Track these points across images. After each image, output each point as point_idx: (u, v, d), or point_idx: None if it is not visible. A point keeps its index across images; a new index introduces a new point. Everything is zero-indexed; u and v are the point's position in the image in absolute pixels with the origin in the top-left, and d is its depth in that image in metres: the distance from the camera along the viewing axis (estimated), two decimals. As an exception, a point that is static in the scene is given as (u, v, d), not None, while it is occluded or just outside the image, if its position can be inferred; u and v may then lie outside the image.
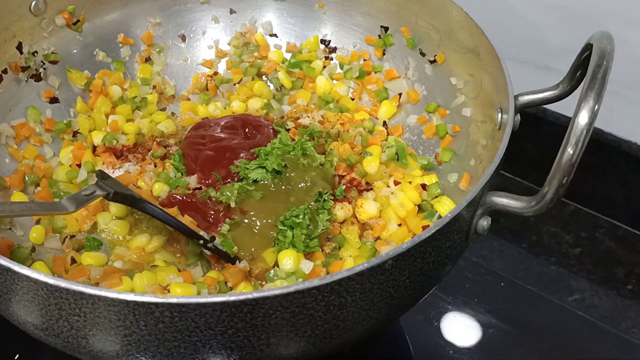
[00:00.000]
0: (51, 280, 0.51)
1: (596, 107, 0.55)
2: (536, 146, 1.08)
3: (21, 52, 0.90)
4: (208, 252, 0.78)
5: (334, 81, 1.01)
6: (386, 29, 0.98)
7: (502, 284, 0.97)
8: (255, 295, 0.51)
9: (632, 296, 0.96)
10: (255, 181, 0.83)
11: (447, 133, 0.89)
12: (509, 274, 0.98)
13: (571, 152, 0.56)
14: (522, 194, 0.63)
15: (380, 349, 0.90)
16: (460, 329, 0.91)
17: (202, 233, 0.78)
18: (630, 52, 0.95)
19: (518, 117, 0.72)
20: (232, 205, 0.81)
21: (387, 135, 0.95)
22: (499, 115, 0.74)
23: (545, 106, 1.04)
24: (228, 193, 0.82)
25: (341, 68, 1.01)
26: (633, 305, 0.95)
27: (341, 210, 0.83)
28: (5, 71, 0.88)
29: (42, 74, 0.93)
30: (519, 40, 1.05)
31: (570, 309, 0.94)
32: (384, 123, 0.96)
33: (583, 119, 0.55)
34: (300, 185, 0.82)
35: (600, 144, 1.02)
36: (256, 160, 0.84)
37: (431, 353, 0.89)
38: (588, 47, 0.62)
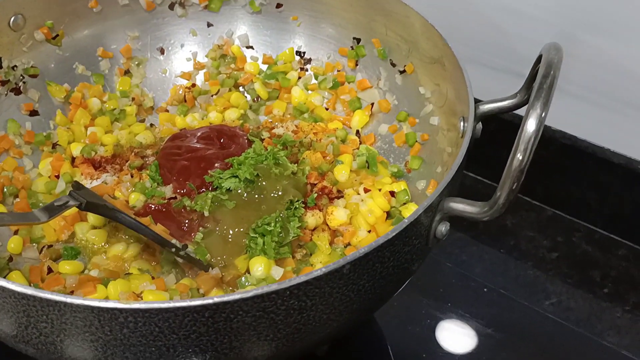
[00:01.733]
0: (18, 288, 0.53)
1: (543, 115, 0.57)
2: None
3: (0, 67, 0.92)
4: (181, 260, 0.80)
5: (309, 91, 1.03)
6: (358, 40, 1.00)
7: (484, 289, 0.98)
8: (216, 300, 0.53)
9: (607, 299, 0.97)
10: (228, 190, 0.85)
11: (417, 141, 0.91)
12: (487, 279, 1.00)
13: (520, 158, 0.58)
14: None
15: (359, 354, 0.91)
16: (442, 334, 0.92)
17: (174, 241, 0.80)
18: (601, 60, 0.97)
19: (480, 125, 0.74)
20: (206, 214, 0.83)
21: (360, 144, 0.97)
22: (462, 123, 0.76)
23: (521, 114, 1.06)
24: (202, 202, 0.84)
25: (316, 79, 1.03)
26: (608, 307, 0.96)
27: (312, 218, 0.85)
28: (-16, 85, 0.90)
29: (21, 88, 0.95)
30: (492, 48, 1.06)
31: (547, 313, 0.95)
32: (357, 132, 0.98)
33: (531, 126, 0.57)
34: (272, 194, 0.84)
35: (574, 150, 1.04)
36: (229, 170, 0.86)
37: (411, 358, 0.90)
38: (540, 58, 0.64)
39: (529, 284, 1.00)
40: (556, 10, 0.98)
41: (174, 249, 0.79)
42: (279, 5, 1.04)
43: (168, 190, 0.88)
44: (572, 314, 0.95)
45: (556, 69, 0.59)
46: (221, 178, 0.86)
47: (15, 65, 0.94)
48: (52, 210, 0.73)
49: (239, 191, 0.85)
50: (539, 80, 0.58)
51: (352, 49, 1.01)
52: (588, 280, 1.00)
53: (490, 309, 0.96)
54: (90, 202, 0.75)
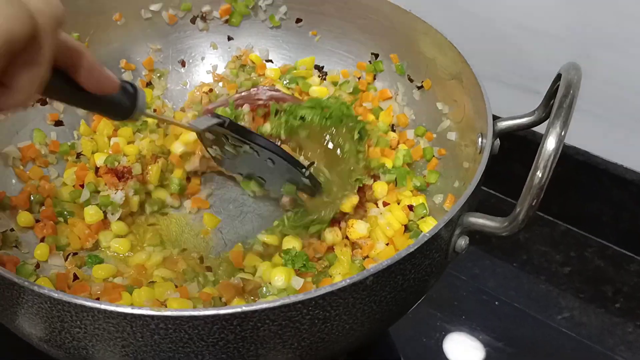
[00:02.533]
0: (55, 294, 0.55)
1: (563, 133, 0.58)
2: (527, 168, 1.11)
3: (27, 77, 0.94)
4: (304, 182, 0.84)
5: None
6: (376, 55, 1.02)
7: (496, 303, 0.99)
8: (245, 308, 0.55)
9: (619, 314, 0.99)
10: (302, 119, 0.88)
11: (434, 156, 0.93)
12: (500, 292, 1.01)
13: (540, 175, 0.59)
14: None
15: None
16: (455, 347, 0.94)
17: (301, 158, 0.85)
18: (615, 77, 0.98)
19: (497, 141, 0.76)
20: (283, 137, 0.88)
21: (398, 143, 0.98)
22: (480, 139, 0.78)
23: (534, 130, 1.08)
24: (276, 126, 0.88)
25: (334, 85, 1.04)
26: (620, 323, 0.97)
27: (330, 234, 0.86)
28: (12, 95, 0.92)
29: (47, 98, 0.97)
30: (511, 65, 1.08)
31: (559, 327, 0.96)
32: (392, 127, 0.99)
33: (550, 144, 0.59)
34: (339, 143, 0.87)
35: (588, 166, 1.05)
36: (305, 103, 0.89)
37: (424, 371, 0.92)
38: (559, 77, 0.66)
39: (542, 298, 1.01)
40: (570, 28, 0.99)
41: (303, 169, 0.83)
42: (298, 20, 1.06)
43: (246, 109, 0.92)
44: (584, 329, 0.96)
45: (575, 89, 0.60)
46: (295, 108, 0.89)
47: (42, 76, 0.96)
48: (204, 124, 0.80)
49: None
50: (559, 100, 0.60)
51: (370, 63, 1.02)
52: (600, 295, 1.01)
53: (502, 322, 0.97)
54: (232, 122, 0.81)
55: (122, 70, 1.05)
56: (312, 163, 0.85)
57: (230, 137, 0.83)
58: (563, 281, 1.03)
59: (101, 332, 0.57)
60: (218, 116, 0.82)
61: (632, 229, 1.05)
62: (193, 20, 1.07)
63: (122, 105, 0.64)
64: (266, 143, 0.83)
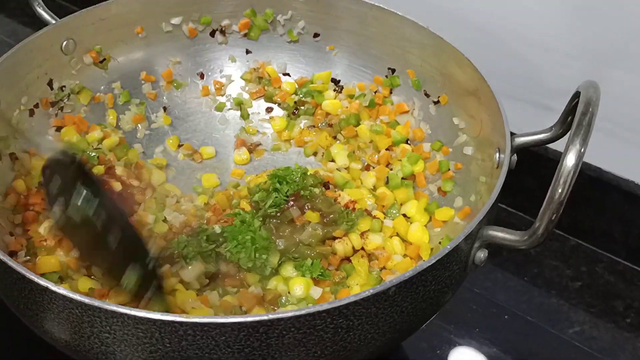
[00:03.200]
0: (86, 300, 0.57)
1: (582, 150, 0.60)
2: (537, 182, 1.12)
3: (51, 88, 0.96)
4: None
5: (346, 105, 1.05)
6: (393, 70, 1.03)
7: (506, 316, 1.00)
8: (271, 316, 0.56)
9: (630, 329, 0.99)
10: None
11: (449, 169, 0.94)
12: (511, 305, 1.01)
13: (560, 191, 0.61)
14: (523, 226, 0.67)
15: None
16: (464, 359, 0.94)
17: None
18: (627, 94, 0.99)
19: (514, 156, 0.77)
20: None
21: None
22: (497, 154, 0.80)
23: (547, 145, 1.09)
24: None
25: (351, 98, 1.05)
26: (631, 338, 0.98)
27: (340, 244, 0.86)
28: (36, 106, 0.95)
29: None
30: (524, 82, 1.09)
31: (571, 341, 0.97)
32: (407, 141, 1.00)
33: (570, 161, 0.60)
34: None
35: (599, 182, 1.06)
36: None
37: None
38: (577, 95, 0.67)
39: (552, 312, 1.01)
40: (583, 45, 1.00)
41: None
42: (316, 35, 1.08)
43: None
44: (595, 343, 0.97)
45: (594, 107, 0.62)
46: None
47: (64, 86, 0.98)
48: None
49: None
50: (578, 118, 0.61)
51: (387, 78, 1.03)
52: (611, 310, 1.01)
53: (512, 335, 0.97)
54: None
55: (143, 82, 1.06)
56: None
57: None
58: (574, 295, 1.03)
59: (130, 338, 0.58)
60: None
61: (643, 245, 1.06)
62: (212, 34, 1.09)
63: None
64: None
